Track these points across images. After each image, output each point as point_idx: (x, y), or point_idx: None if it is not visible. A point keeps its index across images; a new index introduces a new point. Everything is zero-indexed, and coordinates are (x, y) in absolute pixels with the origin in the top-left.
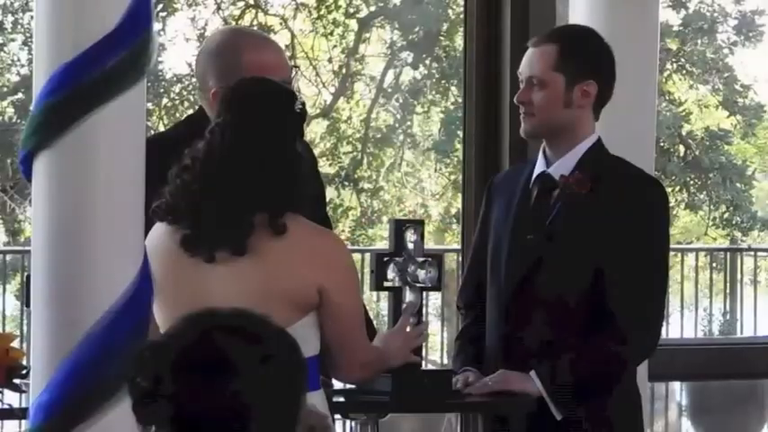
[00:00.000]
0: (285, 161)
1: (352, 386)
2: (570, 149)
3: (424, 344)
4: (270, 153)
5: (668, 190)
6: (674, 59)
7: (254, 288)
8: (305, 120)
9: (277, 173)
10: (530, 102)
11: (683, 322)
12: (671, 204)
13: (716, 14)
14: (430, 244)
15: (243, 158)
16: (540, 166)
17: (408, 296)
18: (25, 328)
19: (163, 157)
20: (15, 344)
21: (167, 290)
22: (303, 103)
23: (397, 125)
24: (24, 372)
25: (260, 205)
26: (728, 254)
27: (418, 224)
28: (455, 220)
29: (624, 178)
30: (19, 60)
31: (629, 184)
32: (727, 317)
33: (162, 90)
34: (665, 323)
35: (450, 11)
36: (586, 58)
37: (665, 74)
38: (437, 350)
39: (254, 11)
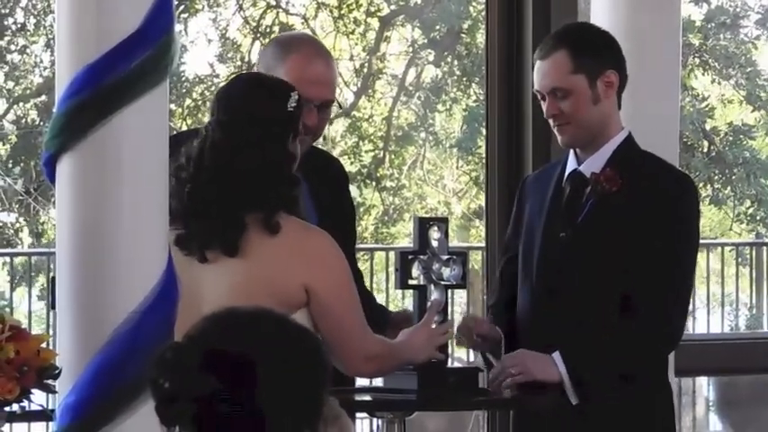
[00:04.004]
0: (274, 160)
1: (378, 385)
2: (601, 146)
3: (449, 342)
4: (259, 151)
5: None
6: (696, 54)
7: (243, 286)
8: (299, 116)
9: (266, 171)
10: (560, 113)
11: (710, 317)
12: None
13: (738, 9)
14: (453, 242)
15: (232, 157)
16: (571, 164)
17: (433, 294)
18: (51, 329)
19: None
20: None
21: None
22: (298, 101)
23: (418, 123)
24: (56, 372)
25: (252, 205)
26: (754, 248)
27: (442, 222)
28: (477, 218)
29: (654, 174)
30: (42, 62)
31: (659, 180)
32: (754, 311)
33: (184, 91)
34: (691, 318)
35: (471, 8)
36: (598, 50)
37: (688, 69)
38: (463, 348)
39: (275, 11)
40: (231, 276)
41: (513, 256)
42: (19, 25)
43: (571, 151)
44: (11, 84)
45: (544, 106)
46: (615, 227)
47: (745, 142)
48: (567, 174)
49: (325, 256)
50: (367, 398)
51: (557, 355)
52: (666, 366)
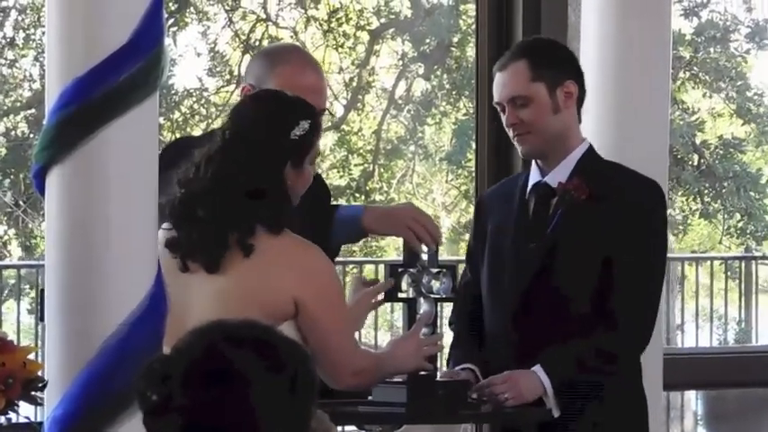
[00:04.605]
0: (261, 183)
1: (368, 397)
2: (564, 158)
3: (438, 355)
4: (248, 173)
5: (682, 199)
6: (686, 68)
7: (229, 296)
8: (308, 144)
9: (251, 193)
10: (521, 122)
11: (698, 331)
12: (685, 213)
13: (728, 23)
14: (443, 255)
15: (227, 174)
16: (534, 177)
17: (423, 307)
18: (40, 341)
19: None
20: (31, 357)
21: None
22: (310, 128)
23: (408, 136)
24: (42, 384)
25: (233, 223)
26: (743, 262)
27: None
28: (466, 231)
29: (621, 181)
30: (31, 76)
31: (626, 186)
32: (743, 325)
33: (173, 104)
34: (679, 332)
35: (461, 21)
36: (557, 61)
37: (678, 82)
38: None
39: (265, 24)
40: (218, 286)
41: (475, 271)
42: (8, 39)
43: (533, 164)
44: (0, 97)
45: (504, 118)
46: (586, 236)
47: (735, 156)
48: (530, 186)
49: (316, 270)
50: (356, 410)
51: (539, 370)
52: (641, 375)
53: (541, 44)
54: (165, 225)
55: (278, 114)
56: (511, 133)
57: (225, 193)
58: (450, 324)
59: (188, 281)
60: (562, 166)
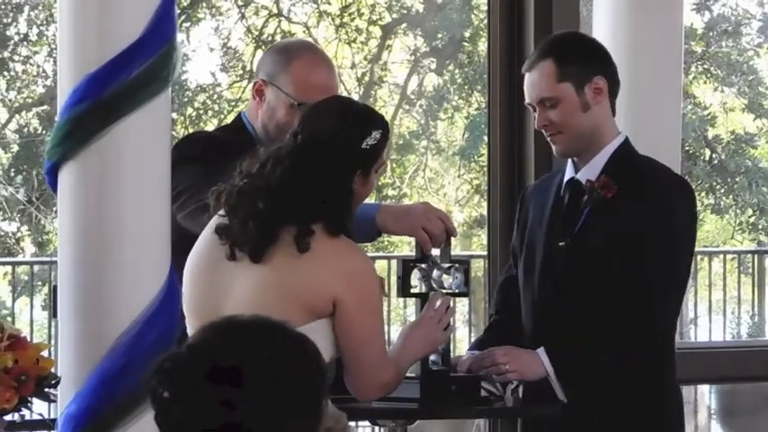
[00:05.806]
0: (327, 188)
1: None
2: (597, 153)
3: (451, 350)
4: (321, 179)
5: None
6: (698, 62)
7: (271, 291)
8: (377, 154)
9: (315, 196)
10: (551, 123)
11: (712, 325)
12: (698, 208)
13: (740, 17)
14: (456, 250)
15: (294, 178)
16: (569, 173)
17: (438, 301)
18: (53, 338)
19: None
20: (44, 354)
21: (196, 270)
22: (380, 138)
23: (420, 131)
24: (55, 381)
25: (294, 222)
26: (756, 256)
27: None
28: (478, 226)
29: (650, 179)
30: (44, 72)
31: (654, 185)
32: (756, 319)
33: (186, 100)
34: (692, 326)
35: (473, 16)
36: (584, 57)
37: (690, 77)
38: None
39: (277, 20)
40: (261, 276)
41: (514, 265)
42: (22, 35)
43: (569, 160)
44: (13, 93)
45: (535, 119)
46: (612, 234)
47: (746, 151)
48: (564, 182)
49: (361, 274)
50: (369, 406)
51: (541, 351)
52: (672, 369)
53: (568, 40)
54: (220, 212)
55: (352, 124)
56: (544, 133)
57: (290, 194)
58: (490, 316)
59: (232, 269)
60: (594, 162)
